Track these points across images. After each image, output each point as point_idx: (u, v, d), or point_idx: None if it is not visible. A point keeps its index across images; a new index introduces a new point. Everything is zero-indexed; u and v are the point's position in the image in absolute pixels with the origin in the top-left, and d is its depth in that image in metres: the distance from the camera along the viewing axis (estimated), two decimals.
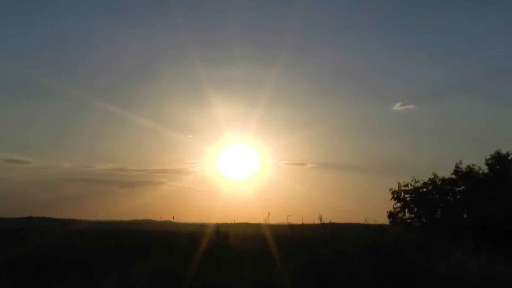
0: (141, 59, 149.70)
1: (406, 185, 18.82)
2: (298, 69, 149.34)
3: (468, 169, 18.47)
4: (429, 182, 18.74)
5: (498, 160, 18.25)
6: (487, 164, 18.37)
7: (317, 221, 14.23)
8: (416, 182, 18.82)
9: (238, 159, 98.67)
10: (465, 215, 18.41)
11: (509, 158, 18.21)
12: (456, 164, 18.66)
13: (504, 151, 18.46)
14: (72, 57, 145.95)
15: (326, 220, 14.10)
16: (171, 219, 18.77)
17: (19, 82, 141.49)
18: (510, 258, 15.13)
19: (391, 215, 17.34)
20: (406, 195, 18.72)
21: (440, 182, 18.56)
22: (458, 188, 18.43)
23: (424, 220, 18.21)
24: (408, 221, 18.51)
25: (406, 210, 18.61)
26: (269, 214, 14.08)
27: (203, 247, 12.48)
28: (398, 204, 18.69)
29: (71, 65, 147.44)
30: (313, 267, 11.64)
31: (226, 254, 12.12)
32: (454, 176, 18.51)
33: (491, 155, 18.37)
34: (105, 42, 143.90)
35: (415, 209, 18.58)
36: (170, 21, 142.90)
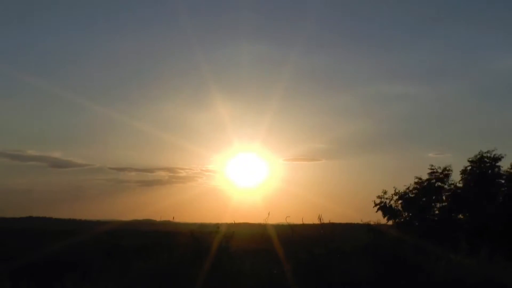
0: (144, 62, 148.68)
1: (385, 193, 18.78)
2: (309, 72, 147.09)
3: (445, 172, 18.41)
4: (415, 185, 18.70)
5: (479, 161, 18.17)
6: (471, 165, 18.29)
7: (316, 221, 14.23)
8: (396, 192, 18.80)
9: (245, 163, 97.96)
10: (460, 216, 18.37)
11: (490, 157, 18.09)
12: (432, 165, 18.57)
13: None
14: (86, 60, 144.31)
15: (325, 220, 14.11)
16: (171, 219, 18.79)
17: (22, 85, 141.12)
18: (508, 258, 15.16)
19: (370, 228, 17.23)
20: (391, 202, 18.66)
21: (425, 184, 18.48)
22: (446, 189, 18.38)
23: (415, 223, 18.17)
24: (401, 220, 18.47)
25: (393, 217, 18.55)
26: (268, 214, 14.09)
27: (204, 247, 12.48)
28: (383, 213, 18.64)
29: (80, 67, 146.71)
30: (313, 267, 11.65)
31: (226, 254, 12.13)
32: (433, 180, 18.44)
33: (470, 158, 18.32)
34: (116, 42, 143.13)
35: (403, 214, 18.53)
36: (174, 20, 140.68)
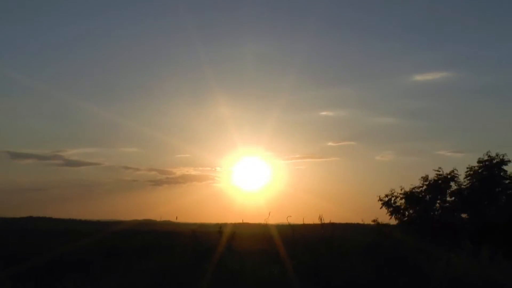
0: (148, 63, 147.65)
1: (393, 192, 18.83)
2: (316, 74, 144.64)
3: (450, 175, 18.45)
4: (421, 184, 18.74)
5: (487, 162, 18.19)
6: (478, 166, 18.31)
7: (317, 221, 14.23)
8: (402, 191, 18.88)
9: (250, 164, 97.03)
10: (462, 215, 18.37)
11: (498, 160, 18.13)
12: (439, 168, 18.60)
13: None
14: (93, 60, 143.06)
15: (326, 220, 14.12)
16: (171, 219, 18.80)
17: (25, 86, 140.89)
18: (509, 259, 15.16)
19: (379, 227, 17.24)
20: (397, 200, 18.72)
21: (431, 183, 18.50)
22: (451, 189, 18.40)
23: (418, 222, 18.17)
24: (405, 219, 18.49)
25: (397, 215, 18.59)
26: (269, 214, 14.09)
27: (205, 247, 12.49)
28: (389, 210, 18.69)
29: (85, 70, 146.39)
30: (314, 267, 11.66)
31: (227, 254, 12.13)
32: (439, 180, 18.49)
33: (480, 158, 18.33)
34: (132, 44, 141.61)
35: (407, 212, 18.57)
36: (175, 17, 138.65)
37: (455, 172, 18.43)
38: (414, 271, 11.79)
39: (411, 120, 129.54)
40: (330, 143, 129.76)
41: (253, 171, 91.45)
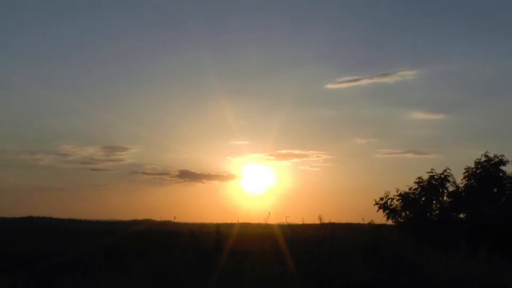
0: (149, 64, 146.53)
1: (388, 194, 18.91)
2: (322, 76, 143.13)
3: (443, 175, 18.54)
4: (416, 186, 18.83)
5: (484, 163, 18.28)
6: (476, 167, 18.40)
7: (317, 221, 14.24)
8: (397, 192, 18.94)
9: (256, 165, 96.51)
10: (460, 215, 18.47)
11: (496, 160, 18.23)
12: (431, 169, 18.71)
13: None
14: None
15: (326, 219, 14.12)
16: (171, 219, 18.83)
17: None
18: (507, 259, 15.19)
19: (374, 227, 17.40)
20: (393, 202, 18.80)
21: (425, 184, 18.59)
22: (448, 190, 18.49)
23: (415, 223, 18.27)
24: (401, 220, 18.58)
25: (393, 216, 18.68)
26: (269, 213, 14.09)
27: (204, 247, 12.50)
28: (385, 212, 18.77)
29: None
30: (313, 267, 11.67)
31: (226, 254, 12.14)
32: (432, 181, 18.58)
33: (476, 160, 18.44)
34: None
35: (403, 214, 18.65)
36: (175, 15, 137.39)
37: (448, 171, 18.53)
38: (413, 271, 11.81)
39: (439, 115, 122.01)
40: (344, 140, 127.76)
41: (257, 172, 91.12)
